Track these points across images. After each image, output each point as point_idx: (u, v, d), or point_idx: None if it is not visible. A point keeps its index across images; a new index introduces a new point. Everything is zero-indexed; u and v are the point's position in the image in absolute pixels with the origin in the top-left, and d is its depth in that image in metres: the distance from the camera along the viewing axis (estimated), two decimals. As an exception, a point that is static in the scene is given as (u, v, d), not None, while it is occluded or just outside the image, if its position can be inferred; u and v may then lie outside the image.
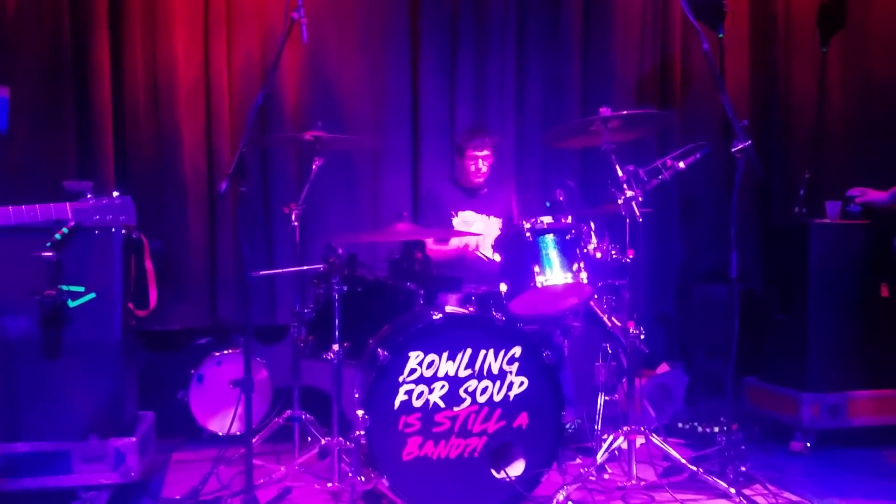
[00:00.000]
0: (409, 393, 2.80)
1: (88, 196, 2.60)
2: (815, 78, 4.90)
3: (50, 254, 2.82)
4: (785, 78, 5.08)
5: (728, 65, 4.85)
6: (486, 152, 3.97)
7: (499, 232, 3.99)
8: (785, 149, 5.07)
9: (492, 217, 4.06)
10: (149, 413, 3.40)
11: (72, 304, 2.90)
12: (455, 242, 3.99)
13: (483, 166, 3.99)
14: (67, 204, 2.56)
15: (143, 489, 3.16)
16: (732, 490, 2.96)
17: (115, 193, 2.63)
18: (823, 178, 4.68)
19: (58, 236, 2.82)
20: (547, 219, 3.08)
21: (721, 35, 4.62)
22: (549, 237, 3.05)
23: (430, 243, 3.93)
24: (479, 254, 3.95)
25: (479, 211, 4.06)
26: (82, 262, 2.92)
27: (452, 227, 4.02)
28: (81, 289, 2.91)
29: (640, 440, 3.17)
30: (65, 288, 2.88)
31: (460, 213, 4.04)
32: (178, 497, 3.06)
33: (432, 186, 4.27)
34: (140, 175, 4.19)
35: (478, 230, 3.98)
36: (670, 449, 3.12)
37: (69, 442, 2.87)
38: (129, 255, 3.11)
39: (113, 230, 2.94)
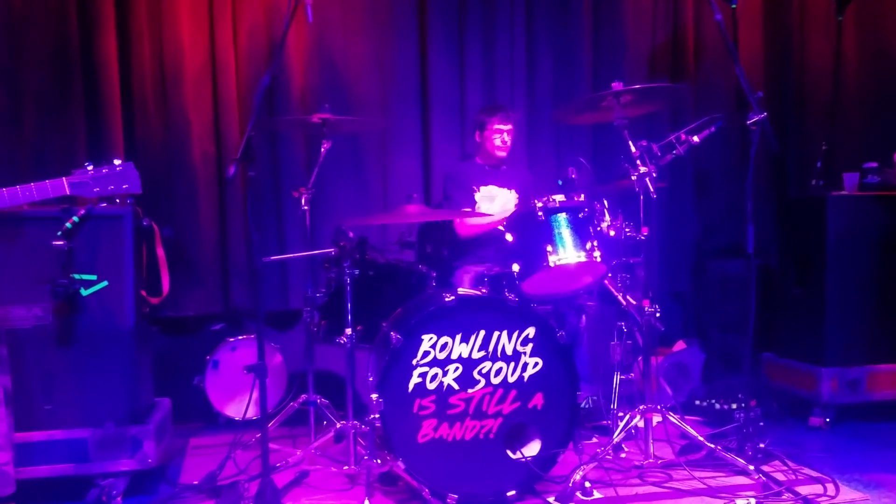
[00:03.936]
0: (423, 376, 2.79)
1: (88, 166, 2.57)
2: (830, 47, 4.79)
3: (61, 242, 2.83)
4: (800, 48, 4.98)
5: (741, 35, 4.76)
6: (509, 126, 3.97)
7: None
8: (800, 121, 4.98)
9: (513, 191, 4.03)
10: (165, 399, 3.42)
11: (84, 292, 2.90)
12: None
13: (508, 139, 3.98)
14: (64, 179, 2.54)
15: (160, 475, 3.17)
16: (751, 467, 2.94)
17: (117, 161, 2.61)
18: (840, 150, 4.59)
19: (68, 225, 2.85)
20: (559, 197, 3.04)
21: (734, 5, 4.52)
22: (562, 216, 3.02)
23: (464, 220, 3.93)
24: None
25: (501, 185, 4.03)
26: (94, 251, 2.92)
27: (475, 202, 3.99)
28: (94, 277, 2.92)
29: (656, 418, 3.15)
30: (77, 276, 2.88)
31: (482, 188, 4.01)
32: (195, 482, 3.08)
33: (452, 165, 4.23)
34: (150, 162, 4.16)
35: (502, 203, 3.95)
36: (687, 427, 3.10)
37: (85, 429, 2.89)
38: (141, 243, 3.11)
39: (123, 218, 2.94)
